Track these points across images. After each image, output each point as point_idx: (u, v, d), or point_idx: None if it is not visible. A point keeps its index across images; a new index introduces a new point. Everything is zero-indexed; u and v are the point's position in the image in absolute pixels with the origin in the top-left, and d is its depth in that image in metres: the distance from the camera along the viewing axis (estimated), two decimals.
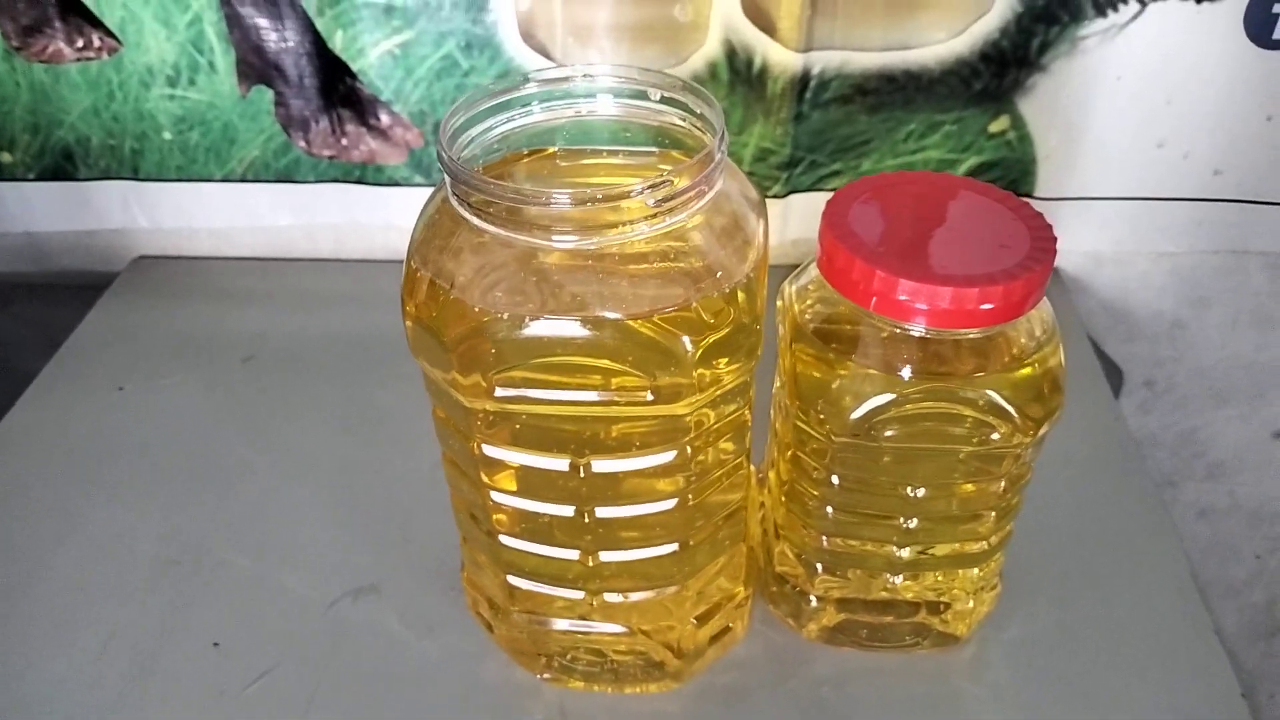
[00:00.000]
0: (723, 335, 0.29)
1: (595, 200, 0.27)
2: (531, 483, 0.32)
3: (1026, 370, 0.33)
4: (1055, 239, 0.32)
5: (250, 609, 0.42)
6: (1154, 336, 0.61)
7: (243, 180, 0.57)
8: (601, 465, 0.31)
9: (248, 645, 0.41)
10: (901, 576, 0.37)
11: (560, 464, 0.31)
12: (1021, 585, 0.41)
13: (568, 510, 0.33)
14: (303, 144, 0.56)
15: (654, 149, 0.35)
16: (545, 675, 0.38)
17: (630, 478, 0.32)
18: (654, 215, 0.28)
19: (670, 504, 0.32)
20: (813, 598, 0.38)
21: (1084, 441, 0.49)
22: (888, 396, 0.32)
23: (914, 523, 0.35)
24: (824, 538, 0.36)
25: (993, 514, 0.35)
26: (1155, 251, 0.57)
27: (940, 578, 0.37)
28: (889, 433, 0.32)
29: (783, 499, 0.37)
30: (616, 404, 0.29)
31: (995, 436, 0.32)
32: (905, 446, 0.33)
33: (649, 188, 0.27)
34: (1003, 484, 0.34)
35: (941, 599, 0.38)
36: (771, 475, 0.39)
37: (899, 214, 0.33)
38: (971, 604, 0.38)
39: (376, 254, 0.61)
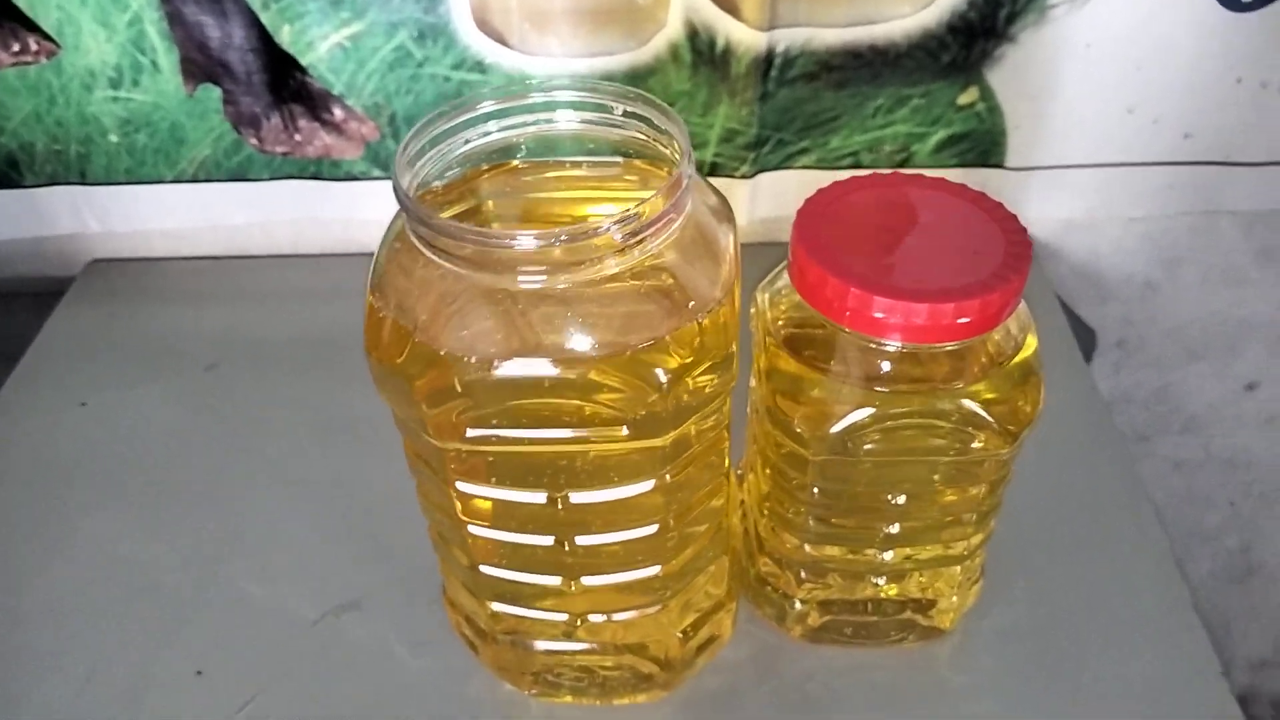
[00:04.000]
0: (697, 363, 0.29)
1: (561, 241, 0.26)
2: (509, 516, 0.32)
3: (1004, 376, 0.32)
4: (1030, 244, 0.31)
5: (232, 632, 0.41)
6: (1126, 298, 0.61)
7: (194, 180, 0.56)
8: (580, 497, 0.31)
9: (232, 671, 0.40)
10: (885, 578, 0.37)
11: (538, 497, 0.31)
12: (1002, 566, 0.41)
13: (547, 540, 0.32)
14: (254, 141, 0.54)
15: (618, 158, 0.34)
16: (532, 691, 0.38)
17: (610, 506, 0.31)
18: (622, 250, 0.27)
19: (652, 529, 0.32)
20: (797, 601, 0.38)
21: (1056, 408, 0.48)
22: (866, 411, 0.32)
23: (896, 528, 0.35)
24: (806, 545, 0.36)
25: (974, 515, 0.35)
26: (1127, 216, 0.57)
27: (924, 577, 0.37)
28: (868, 446, 0.32)
29: (764, 511, 0.37)
30: (591, 440, 0.29)
31: (976, 445, 0.32)
32: (885, 459, 0.33)
33: (616, 223, 0.26)
34: (984, 488, 0.34)
35: (926, 596, 0.38)
36: (750, 479, 0.39)
37: (870, 221, 0.32)
38: (956, 599, 0.38)
39: (337, 248, 0.59)
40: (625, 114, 0.32)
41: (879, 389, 0.31)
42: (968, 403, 0.31)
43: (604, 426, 0.28)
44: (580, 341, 0.27)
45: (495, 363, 0.27)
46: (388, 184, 0.57)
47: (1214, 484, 0.71)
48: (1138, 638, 0.40)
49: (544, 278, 0.27)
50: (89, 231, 0.58)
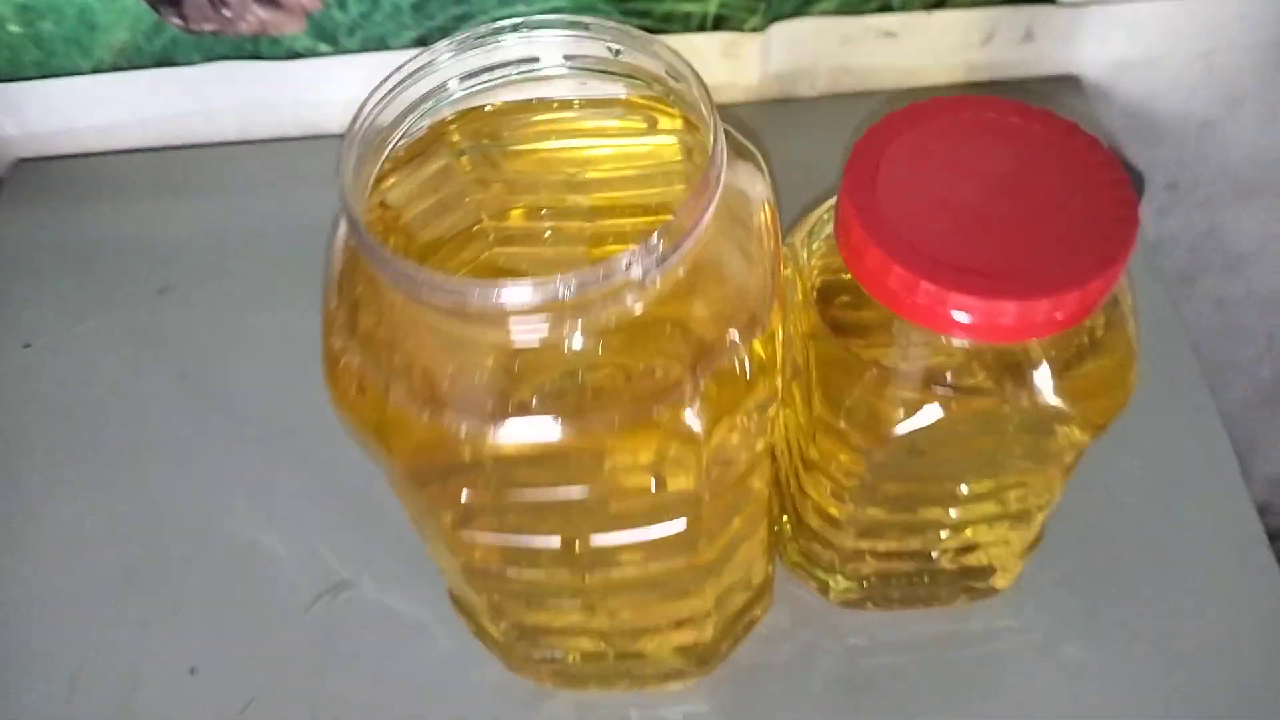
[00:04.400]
0: (741, 400, 0.23)
1: (566, 292, 0.20)
2: (520, 557, 0.27)
3: (1093, 355, 0.27)
4: (1135, 200, 0.25)
5: (222, 623, 0.38)
6: (1180, 138, 0.54)
7: (116, 69, 0.48)
8: (602, 540, 0.26)
9: (228, 667, 0.37)
10: (939, 553, 0.33)
11: (551, 542, 0.26)
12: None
13: (565, 574, 0.28)
14: (177, 21, 0.46)
15: (617, 93, 0.27)
16: (554, 684, 0.35)
17: (637, 545, 0.27)
18: (644, 284, 0.21)
19: (682, 561, 0.28)
20: (839, 576, 0.34)
21: None
22: (929, 414, 0.26)
23: (955, 513, 0.31)
24: (851, 532, 0.32)
25: (1046, 495, 0.31)
26: (1190, 51, 0.50)
27: (982, 549, 0.33)
28: (929, 446, 0.27)
29: (803, 506, 0.33)
30: (612, 497, 0.24)
31: (1056, 440, 0.27)
32: (947, 457, 0.28)
33: (632, 262, 0.20)
34: (1060, 470, 0.30)
35: (983, 564, 0.34)
36: (780, 421, 0.34)
37: (937, 175, 0.26)
38: (1016, 567, 0.34)
39: (288, 131, 0.52)
40: (619, 55, 0.25)
41: (942, 390, 0.26)
42: (1049, 397, 0.26)
43: (627, 482, 0.24)
44: (594, 401, 0.22)
45: (491, 430, 0.22)
46: (338, 60, 0.49)
47: (1254, 319, 0.67)
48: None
49: (545, 328, 0.21)
50: (6, 134, 0.50)
